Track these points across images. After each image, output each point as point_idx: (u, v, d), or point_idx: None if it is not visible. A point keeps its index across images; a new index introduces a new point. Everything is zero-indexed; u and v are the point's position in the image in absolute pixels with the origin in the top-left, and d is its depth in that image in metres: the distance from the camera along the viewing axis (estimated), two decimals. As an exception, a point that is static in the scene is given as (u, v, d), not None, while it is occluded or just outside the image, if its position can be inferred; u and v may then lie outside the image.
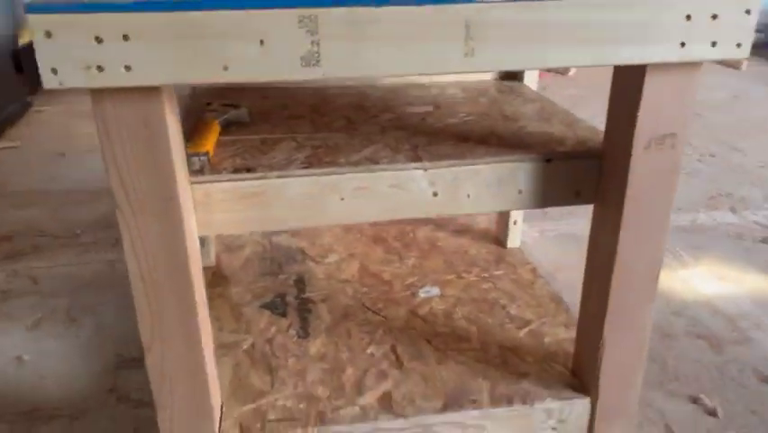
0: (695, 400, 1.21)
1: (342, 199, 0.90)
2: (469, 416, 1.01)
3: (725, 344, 1.37)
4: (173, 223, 0.80)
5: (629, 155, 0.85)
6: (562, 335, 1.19)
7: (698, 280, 1.61)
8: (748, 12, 0.75)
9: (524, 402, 1.02)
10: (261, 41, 0.69)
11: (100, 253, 1.71)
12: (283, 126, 1.06)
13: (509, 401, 1.02)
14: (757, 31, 0.81)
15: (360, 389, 1.05)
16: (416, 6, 0.70)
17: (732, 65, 3.95)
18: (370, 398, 1.03)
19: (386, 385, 1.06)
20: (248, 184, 0.87)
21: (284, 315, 1.25)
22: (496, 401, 1.02)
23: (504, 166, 0.92)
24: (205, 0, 0.67)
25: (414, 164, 0.90)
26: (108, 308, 1.47)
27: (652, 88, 0.81)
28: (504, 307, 1.28)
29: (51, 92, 3.12)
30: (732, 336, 1.40)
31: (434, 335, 1.19)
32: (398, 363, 1.11)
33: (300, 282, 1.36)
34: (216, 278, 1.38)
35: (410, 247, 1.50)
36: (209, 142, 0.93)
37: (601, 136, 0.99)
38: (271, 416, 0.99)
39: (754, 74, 3.76)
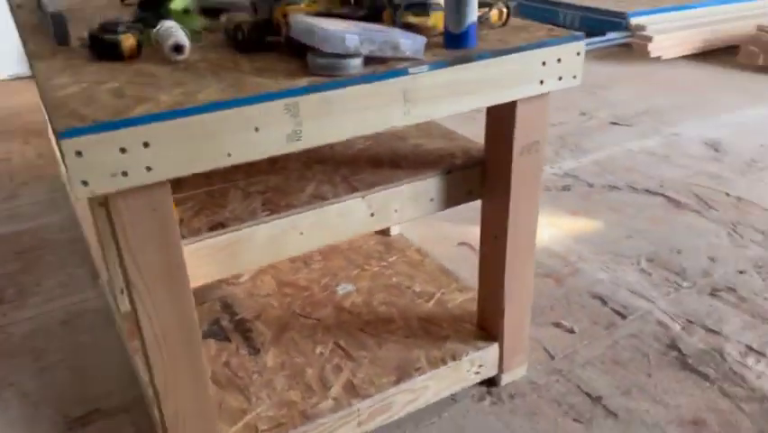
0: (557, 325, 1.60)
1: (302, 234, 1.07)
2: (417, 382, 1.26)
3: (564, 277, 1.79)
4: (181, 287, 0.91)
5: (510, 160, 1.14)
6: (460, 298, 1.49)
7: (530, 230, 2.03)
8: (579, 54, 1.07)
9: (453, 359, 1.30)
10: (257, 129, 0.84)
11: (-22, 321, 1.63)
12: (217, 175, 1.18)
13: (443, 361, 1.29)
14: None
15: (324, 384, 1.24)
16: (368, 84, 0.89)
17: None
18: (336, 389, 1.23)
19: (345, 375, 1.26)
20: (225, 238, 1.00)
21: (227, 339, 1.38)
22: (433, 364, 1.29)
23: (419, 183, 1.15)
24: (209, 104, 0.80)
25: (354, 194, 1.10)
26: (24, 377, 1.44)
27: (522, 112, 1.10)
28: (408, 287, 1.54)
29: None
30: (566, 269, 1.82)
31: (364, 324, 1.41)
32: (347, 355, 1.32)
33: (227, 306, 1.49)
34: (145, 320, 1.43)
35: (311, 252, 1.68)
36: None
37: (475, 145, 1.27)
38: (263, 426, 1.15)
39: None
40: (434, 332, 1.38)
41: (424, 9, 1.06)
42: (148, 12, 1.19)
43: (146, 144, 0.77)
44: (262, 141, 0.85)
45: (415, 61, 0.94)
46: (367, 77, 0.89)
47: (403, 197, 1.15)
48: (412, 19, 1.05)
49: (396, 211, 1.15)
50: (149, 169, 0.78)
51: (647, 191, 2.27)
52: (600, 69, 3.72)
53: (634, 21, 4.13)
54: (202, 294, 1.53)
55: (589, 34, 4.53)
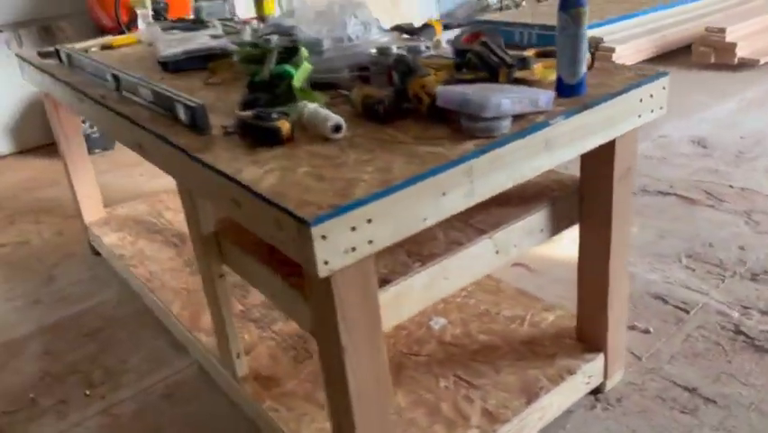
0: (633, 328, 1.73)
1: (446, 279, 1.16)
2: (544, 400, 1.36)
3: (619, 282, 1.95)
4: (379, 343, 0.99)
5: (610, 187, 1.27)
6: (550, 317, 1.60)
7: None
8: (664, 88, 1.22)
9: (570, 373, 1.41)
10: (444, 193, 0.94)
11: (82, 409, 1.62)
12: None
13: (561, 377, 1.40)
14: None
15: (462, 414, 1.33)
16: (522, 139, 1.01)
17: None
18: (476, 418, 1.32)
19: (478, 404, 1.35)
20: (392, 291, 1.08)
21: (352, 387, 1.44)
22: (553, 381, 1.39)
23: (532, 218, 1.27)
24: (412, 178, 0.89)
25: (483, 236, 1.20)
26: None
27: (620, 142, 1.23)
28: (497, 313, 1.64)
29: None
30: (620, 275, 1.98)
31: (473, 353, 1.50)
32: (471, 385, 1.41)
33: (336, 356, 1.55)
34: (263, 382, 1.48)
35: (392, 293, 1.77)
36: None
37: (565, 175, 1.40)
38: (425, 463, 1.22)
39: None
40: (540, 351, 1.49)
41: (526, 64, 1.19)
42: (259, 93, 1.26)
43: (369, 221, 0.86)
44: (448, 203, 0.95)
45: (548, 113, 1.06)
46: (519, 133, 1.01)
47: (520, 232, 1.26)
48: (520, 74, 1.17)
49: (515, 246, 1.26)
50: (370, 242, 0.87)
51: (660, 192, 2.46)
52: (573, 83, 3.94)
53: (588, 33, 4.39)
54: (306, 349, 1.59)
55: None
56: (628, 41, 4.21)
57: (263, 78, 1.26)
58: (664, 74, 1.21)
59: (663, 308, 1.79)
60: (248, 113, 1.09)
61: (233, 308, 1.44)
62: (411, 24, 1.56)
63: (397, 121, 1.11)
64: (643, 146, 2.88)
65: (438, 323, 1.62)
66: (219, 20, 2.16)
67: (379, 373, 1.01)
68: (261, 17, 1.98)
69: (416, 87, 1.09)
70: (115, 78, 1.49)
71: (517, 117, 1.05)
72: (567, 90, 1.12)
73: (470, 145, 0.98)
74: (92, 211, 2.39)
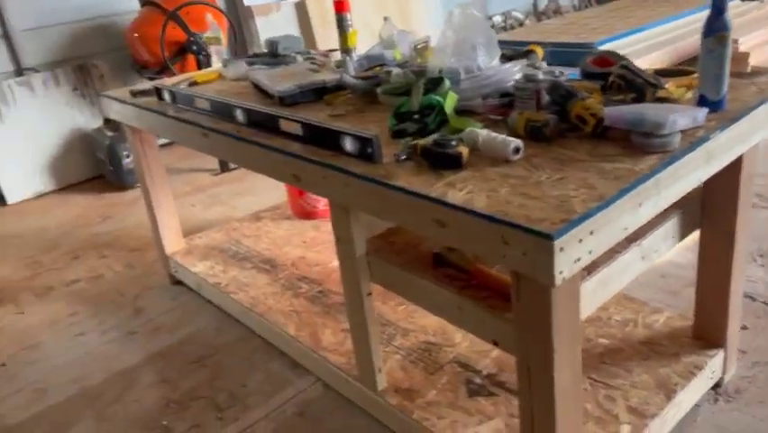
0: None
1: (606, 285, 1.25)
2: (680, 395, 1.45)
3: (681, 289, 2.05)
4: (577, 345, 1.08)
5: (737, 193, 1.38)
6: (661, 318, 1.69)
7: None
8: (784, 99, 1.33)
9: (698, 369, 1.50)
10: (640, 204, 1.03)
11: (220, 432, 1.68)
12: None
13: (692, 373, 1.49)
14: None
15: (610, 413, 1.41)
16: (693, 152, 1.11)
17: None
18: (624, 415, 1.40)
19: (621, 403, 1.44)
20: (568, 300, 1.17)
21: (492, 393, 1.52)
22: (685, 378, 1.48)
23: (668, 225, 1.36)
24: (618, 193, 0.98)
25: (633, 245, 1.29)
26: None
27: (747, 151, 1.34)
28: (609, 318, 1.73)
29: None
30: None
31: (599, 357, 1.59)
32: (608, 386, 1.49)
33: (466, 366, 1.63)
34: (405, 394, 1.55)
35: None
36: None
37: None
38: (590, 460, 1.30)
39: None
40: (662, 351, 1.58)
41: (660, 84, 1.30)
42: (406, 122, 1.35)
43: (591, 232, 0.95)
44: (643, 212, 1.04)
45: (705, 128, 1.17)
46: (690, 147, 1.11)
47: (659, 238, 1.35)
48: (659, 93, 1.28)
49: (655, 252, 1.35)
50: (590, 252, 0.96)
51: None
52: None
53: (601, 49, 4.56)
54: (435, 360, 1.66)
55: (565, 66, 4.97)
56: (642, 56, 4.37)
57: (411, 109, 1.35)
58: (784, 87, 1.32)
59: (753, 306, 1.90)
60: (427, 140, 1.18)
61: (377, 325, 1.51)
62: (519, 50, 1.67)
63: (559, 140, 1.21)
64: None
65: (555, 330, 1.71)
66: (298, 53, 2.26)
67: (576, 371, 1.10)
68: (346, 50, 2.08)
69: (578, 110, 1.19)
70: (248, 113, 1.57)
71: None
72: (711, 106, 1.23)
73: (653, 160, 1.08)
74: (173, 242, 2.45)
